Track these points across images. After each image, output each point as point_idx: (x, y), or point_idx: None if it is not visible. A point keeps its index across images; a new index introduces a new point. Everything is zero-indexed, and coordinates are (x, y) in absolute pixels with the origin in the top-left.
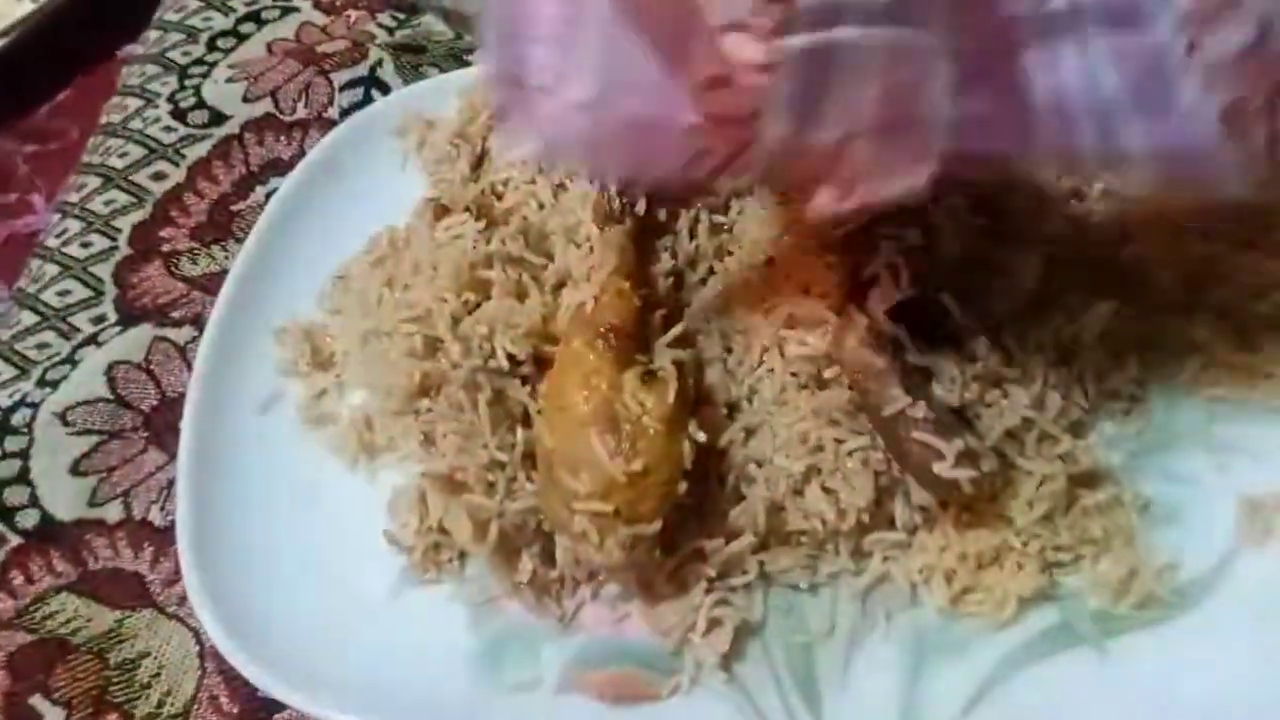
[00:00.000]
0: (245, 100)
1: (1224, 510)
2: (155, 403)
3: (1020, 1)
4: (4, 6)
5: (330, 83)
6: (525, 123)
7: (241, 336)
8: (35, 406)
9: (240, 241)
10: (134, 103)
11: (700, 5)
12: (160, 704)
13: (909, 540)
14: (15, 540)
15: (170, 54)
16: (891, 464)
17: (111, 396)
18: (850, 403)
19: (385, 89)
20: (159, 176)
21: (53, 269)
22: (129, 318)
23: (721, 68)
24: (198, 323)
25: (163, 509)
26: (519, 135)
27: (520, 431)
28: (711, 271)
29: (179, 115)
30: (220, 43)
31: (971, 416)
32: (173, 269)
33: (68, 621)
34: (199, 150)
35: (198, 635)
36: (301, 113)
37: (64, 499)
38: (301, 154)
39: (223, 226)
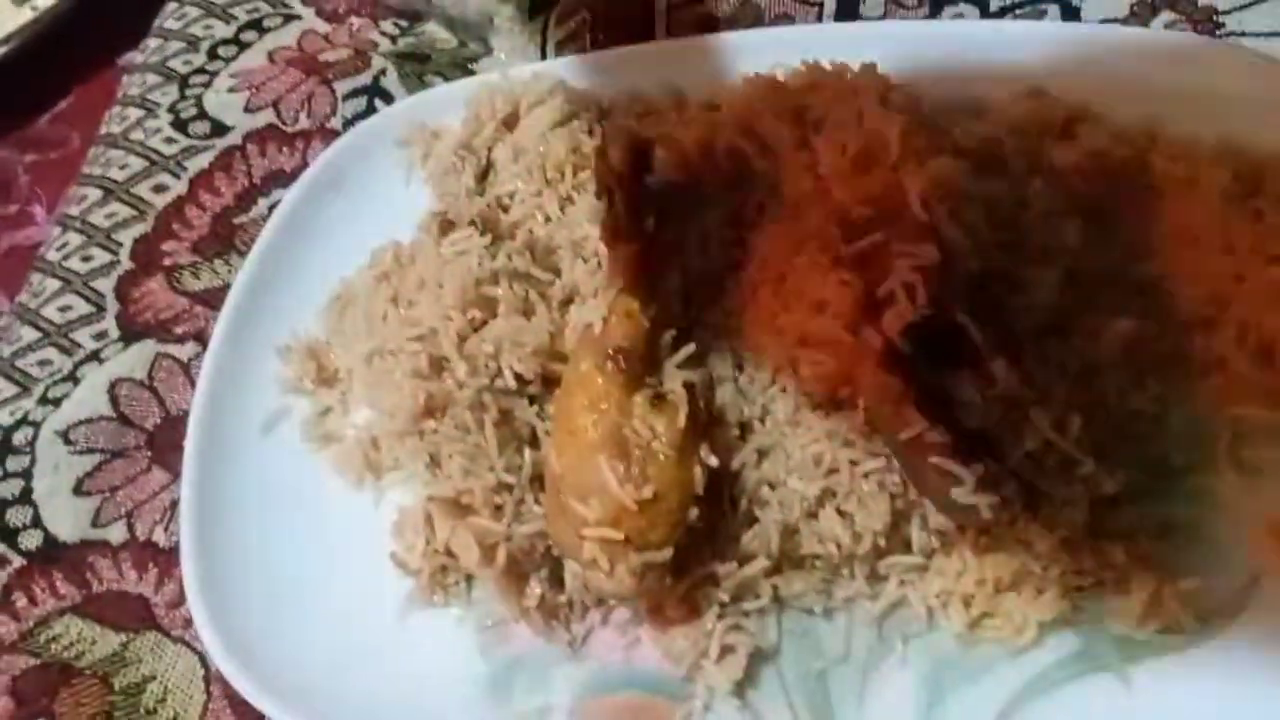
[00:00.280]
0: (247, 110)
1: (1247, 532)
2: (158, 421)
3: None
4: (3, 15)
5: (333, 92)
6: None
7: (245, 353)
8: (37, 425)
9: (243, 255)
10: (135, 113)
11: None
12: None
13: (926, 564)
14: (18, 561)
15: (171, 63)
16: (908, 486)
17: (114, 414)
18: (866, 424)
19: (388, 98)
20: (160, 189)
21: (54, 284)
22: (131, 334)
23: None
24: (200, 338)
25: (167, 529)
26: None
27: (528, 453)
28: (722, 288)
29: (180, 126)
30: (221, 51)
31: (991, 439)
32: (175, 283)
33: (71, 645)
34: (200, 162)
35: (203, 659)
36: (304, 123)
37: (67, 519)
38: (304, 165)
39: (225, 239)
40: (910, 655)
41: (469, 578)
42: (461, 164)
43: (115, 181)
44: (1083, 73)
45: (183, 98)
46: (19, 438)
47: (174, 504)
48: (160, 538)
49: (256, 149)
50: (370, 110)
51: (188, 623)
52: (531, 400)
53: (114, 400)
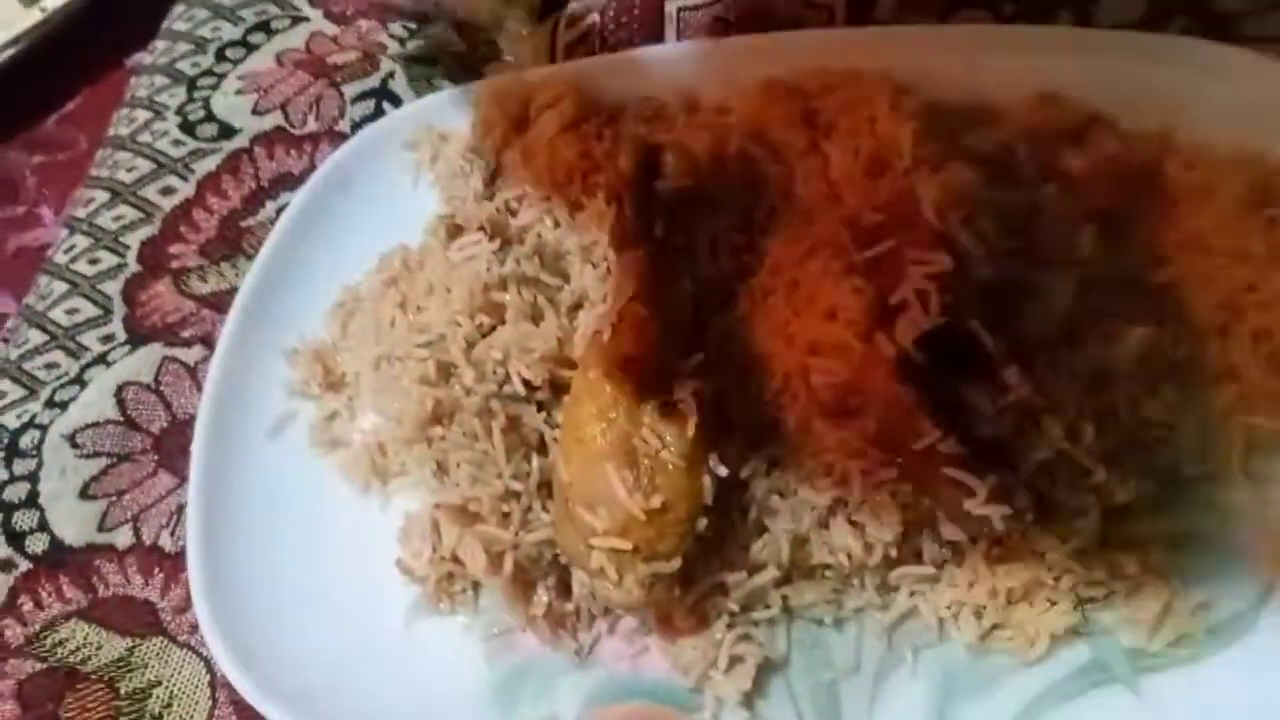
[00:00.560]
0: (255, 113)
1: (1261, 545)
2: (165, 424)
3: None
4: (11, 15)
5: (341, 95)
6: None
7: (252, 357)
8: (44, 428)
9: (250, 258)
10: (142, 115)
11: None
12: None
13: (937, 575)
14: (24, 565)
15: (179, 65)
16: (919, 497)
17: (121, 418)
18: (878, 433)
19: (397, 101)
20: (168, 191)
21: (61, 286)
22: (138, 337)
23: None
24: (208, 342)
25: (173, 534)
26: None
27: (535, 459)
28: (733, 294)
29: (188, 128)
30: (229, 53)
31: (1003, 449)
32: (182, 286)
33: (78, 649)
34: (208, 164)
35: (209, 664)
36: (312, 126)
37: (73, 523)
38: (312, 168)
39: (232, 243)
40: (921, 667)
41: (475, 585)
42: (470, 167)
43: (123, 184)
44: (1096, 78)
45: (190, 100)
46: (26, 441)
47: (180, 508)
48: (166, 542)
49: (264, 151)
50: (378, 113)
51: (194, 628)
52: (539, 407)
53: (121, 404)
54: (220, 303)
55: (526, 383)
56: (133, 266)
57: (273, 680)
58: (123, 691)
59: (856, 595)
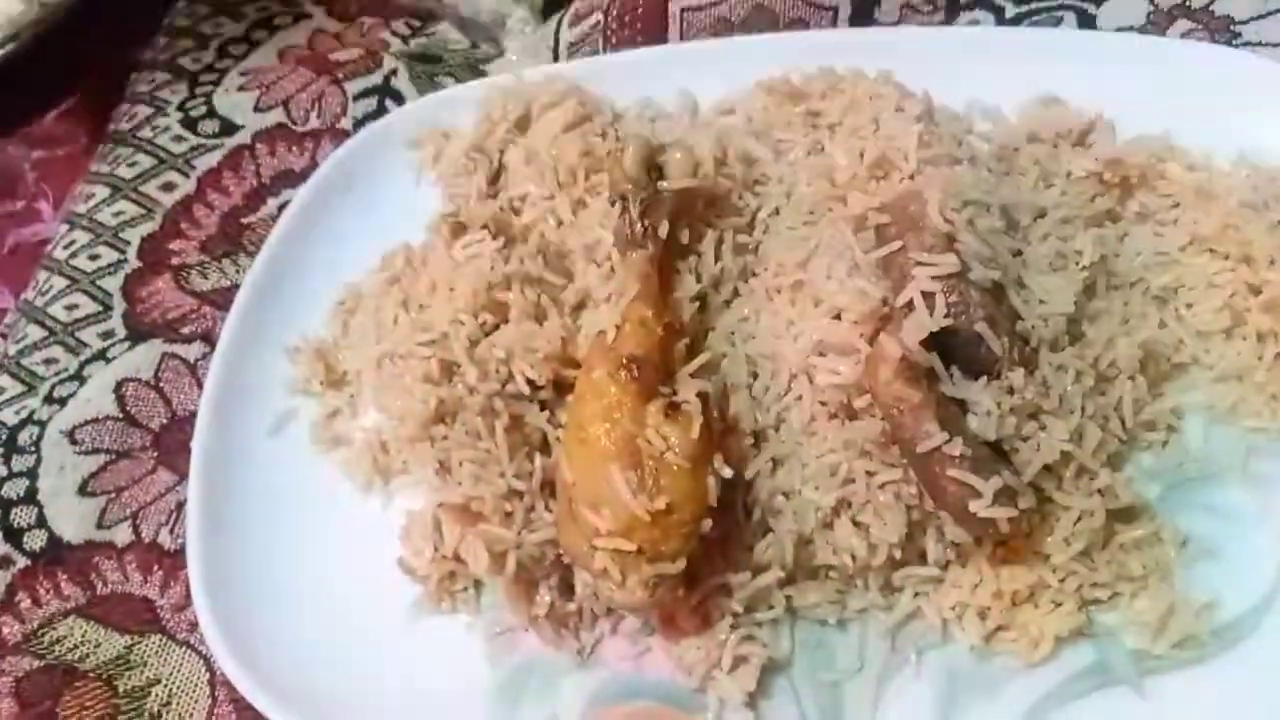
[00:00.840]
0: (257, 109)
1: (1265, 547)
2: (165, 421)
3: None
4: (11, 10)
5: (344, 92)
6: None
7: (253, 354)
8: (43, 424)
9: (251, 255)
10: (143, 110)
11: None
12: None
13: (941, 576)
14: (22, 562)
15: (180, 60)
16: (924, 497)
17: (120, 415)
18: (882, 434)
19: (399, 99)
20: (169, 187)
21: (60, 282)
22: (138, 333)
23: None
24: (208, 339)
25: (173, 531)
26: None
27: (538, 459)
28: (736, 293)
29: (189, 124)
30: (231, 49)
31: (1008, 450)
32: (182, 283)
33: (76, 647)
34: (210, 160)
35: (208, 662)
36: (314, 123)
37: (72, 520)
38: (314, 165)
39: (234, 239)
40: (925, 668)
41: (477, 584)
42: (473, 166)
43: (123, 179)
44: (1099, 81)
45: (192, 96)
46: (24, 437)
47: (180, 505)
48: (166, 539)
49: (266, 148)
50: (381, 111)
51: (193, 626)
52: (542, 406)
53: (120, 400)
54: (221, 299)
55: (530, 382)
56: (133, 262)
57: (272, 679)
58: (121, 690)
59: (860, 596)
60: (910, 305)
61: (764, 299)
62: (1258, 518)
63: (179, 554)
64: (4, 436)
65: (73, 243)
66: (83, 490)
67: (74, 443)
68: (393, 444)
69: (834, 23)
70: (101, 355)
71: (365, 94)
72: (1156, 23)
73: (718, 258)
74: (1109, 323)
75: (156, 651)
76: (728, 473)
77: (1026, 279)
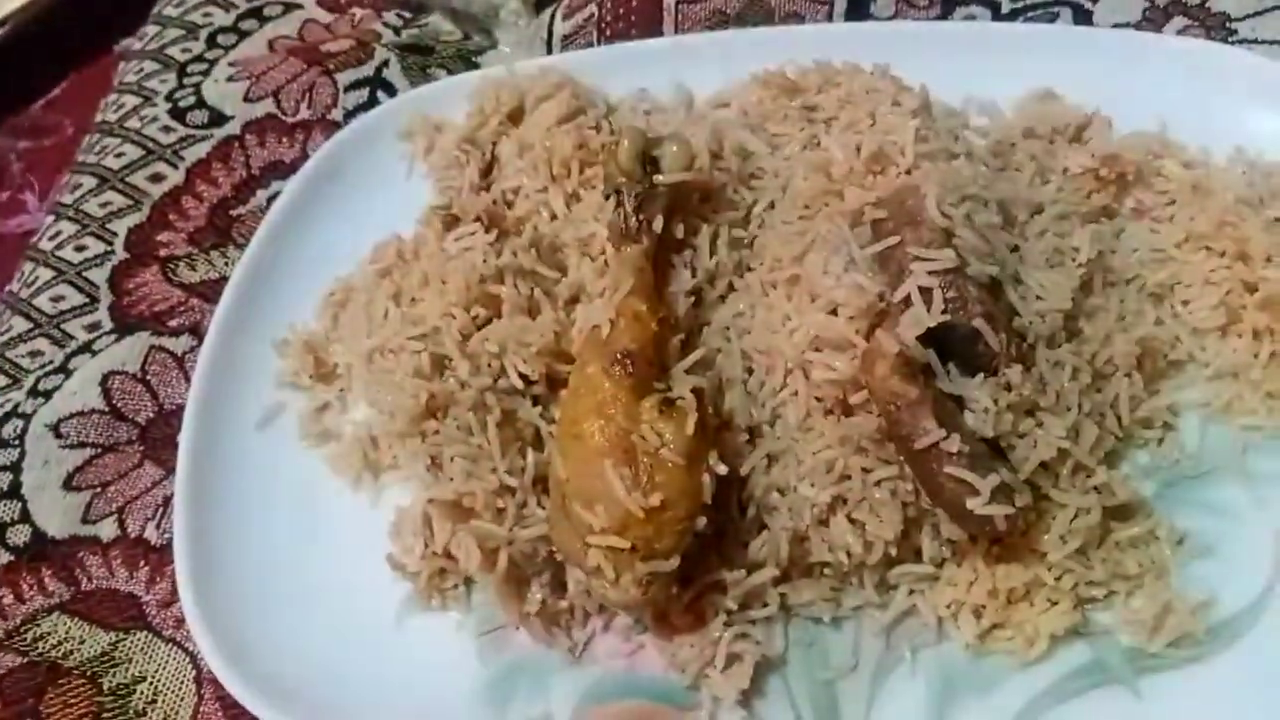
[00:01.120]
0: (246, 100)
1: (1261, 544)
2: (151, 415)
3: None
4: None
5: (334, 83)
6: None
7: (241, 347)
8: (27, 418)
9: (240, 247)
10: (131, 101)
11: None
12: None
13: (937, 573)
14: (5, 558)
15: (169, 50)
16: (920, 494)
17: (106, 408)
18: (879, 430)
19: (391, 90)
20: (156, 178)
21: (46, 273)
22: (125, 325)
23: None
24: (196, 331)
25: (159, 527)
26: None
27: (530, 454)
28: (732, 288)
29: (178, 115)
30: (221, 39)
31: (1005, 447)
32: (170, 275)
33: (59, 644)
34: (198, 151)
35: (194, 660)
36: (305, 114)
37: (56, 515)
38: (304, 156)
39: (222, 231)
40: (919, 666)
41: (468, 581)
42: (465, 158)
43: (110, 170)
44: (1095, 77)
45: (181, 86)
46: (8, 430)
47: (166, 500)
48: (152, 535)
49: (255, 139)
50: (372, 102)
51: (179, 622)
52: (535, 401)
53: (106, 393)
54: (209, 292)
55: (523, 377)
56: (120, 254)
57: (260, 676)
58: (106, 687)
59: (855, 594)
60: (907, 301)
61: (759, 294)
62: (1254, 515)
63: (165, 549)
64: None
65: (59, 234)
66: (67, 484)
67: (59, 436)
68: (383, 439)
69: (829, 17)
70: (87, 348)
71: (356, 85)
72: (1152, 19)
73: (713, 252)
74: (1105, 319)
75: (142, 648)
76: (723, 469)
77: (1023, 275)
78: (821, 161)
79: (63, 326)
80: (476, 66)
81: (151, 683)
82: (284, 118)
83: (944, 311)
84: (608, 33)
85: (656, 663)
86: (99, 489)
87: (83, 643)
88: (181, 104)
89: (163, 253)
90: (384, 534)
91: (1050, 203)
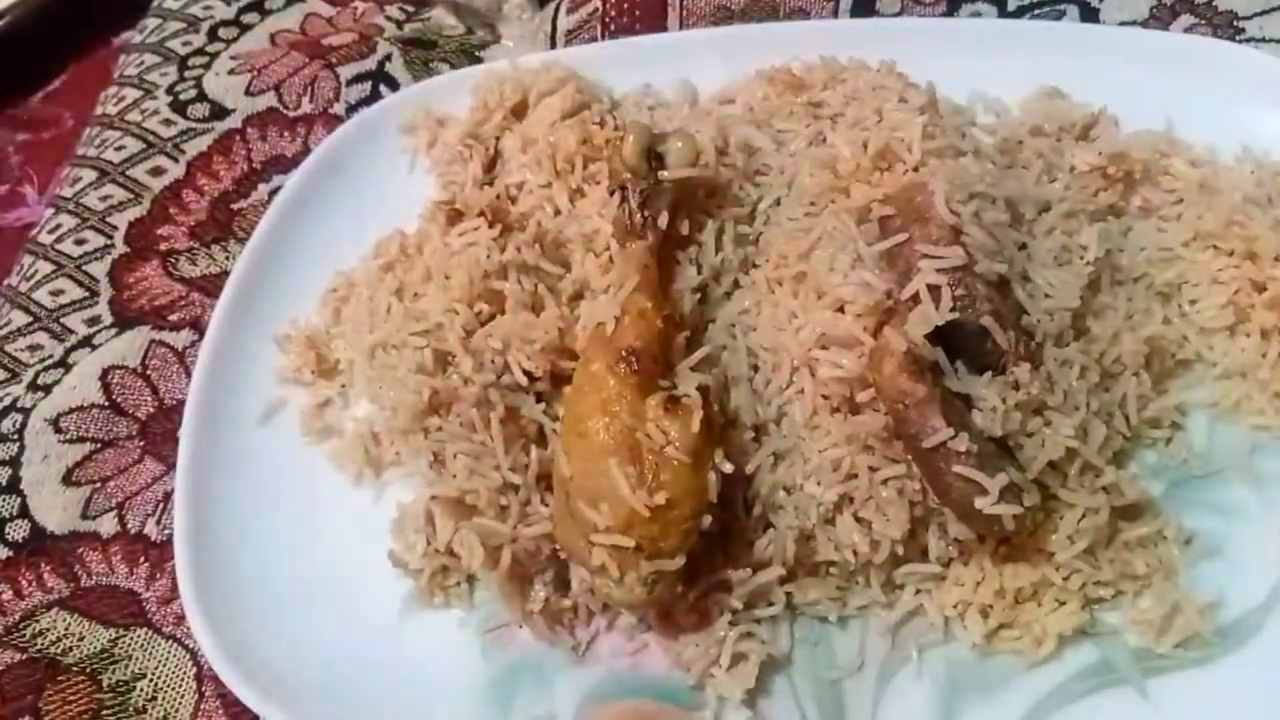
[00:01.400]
0: (248, 93)
1: (1269, 545)
2: (152, 410)
3: None
4: None
5: (337, 77)
6: None
7: (242, 342)
8: (26, 412)
9: (241, 241)
10: (131, 93)
11: None
12: None
13: (943, 573)
14: (4, 553)
15: (170, 43)
16: (927, 493)
17: (106, 403)
18: (886, 429)
19: (394, 84)
20: (157, 171)
21: (45, 267)
22: (125, 320)
23: None
24: (197, 326)
25: (159, 522)
26: None
27: (534, 451)
28: (737, 285)
29: (179, 108)
30: (222, 33)
31: (1013, 446)
32: (171, 269)
33: (58, 640)
34: (199, 145)
35: (195, 656)
36: (306, 107)
37: (56, 510)
38: (306, 150)
39: (223, 225)
40: (926, 666)
41: (471, 579)
42: (469, 153)
43: (111, 163)
44: (1102, 75)
45: (182, 79)
46: (7, 425)
47: (167, 496)
48: (152, 530)
49: (257, 133)
50: (375, 96)
51: (179, 619)
52: (539, 397)
53: (106, 388)
54: (210, 286)
55: (527, 373)
56: (120, 248)
57: (261, 673)
58: (105, 684)
59: (861, 593)
60: (915, 298)
61: (765, 291)
62: (1261, 516)
63: (165, 545)
64: None
65: (58, 227)
66: (67, 480)
67: (58, 431)
68: (385, 435)
69: (835, 13)
70: (87, 342)
71: (359, 79)
72: (1159, 17)
73: (718, 249)
74: (1113, 318)
75: (142, 645)
76: (728, 468)
77: (1031, 273)
78: (828, 158)
79: (62, 320)
80: (479, 61)
81: (151, 680)
82: (286, 111)
83: (952, 309)
84: (612, 27)
85: (661, 662)
86: (99, 484)
87: (82, 639)
88: (182, 97)
89: (163, 247)
90: (386, 531)
91: (1058, 200)
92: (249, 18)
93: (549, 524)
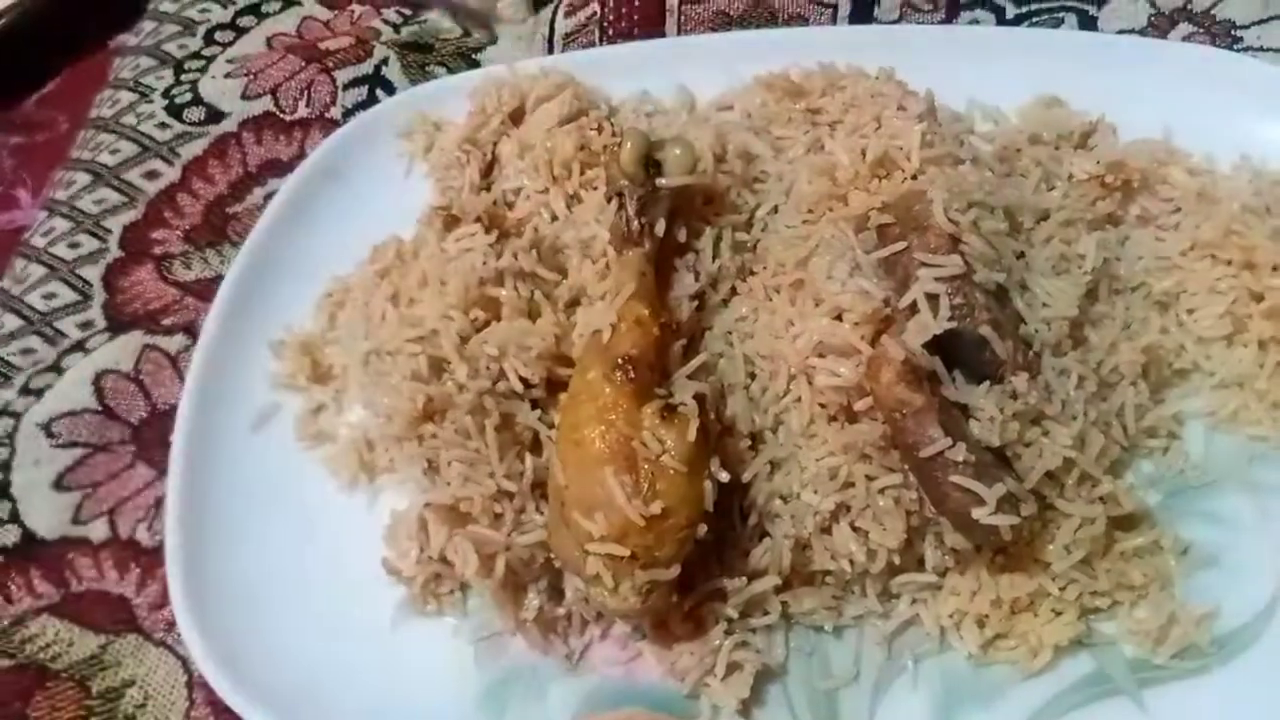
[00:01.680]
0: (244, 97)
1: (1266, 558)
2: (144, 415)
3: None
4: None
5: (333, 80)
6: None
7: (236, 347)
8: (18, 416)
9: (236, 246)
10: (127, 97)
11: None
12: None
13: (939, 583)
14: None
15: (166, 46)
16: (923, 503)
17: (99, 407)
18: (883, 438)
19: (390, 88)
20: (152, 175)
21: (38, 270)
22: (118, 324)
23: None
24: (190, 330)
25: (150, 528)
26: None
27: (529, 459)
28: (734, 292)
29: (174, 111)
30: (218, 36)
31: (1011, 456)
32: (165, 273)
33: (48, 646)
34: (194, 148)
35: (185, 664)
36: (303, 111)
37: (46, 515)
38: (302, 155)
39: (218, 229)
40: (921, 676)
41: (464, 587)
42: (465, 158)
43: (105, 166)
44: (1100, 83)
45: (177, 82)
46: None
47: (158, 501)
48: (143, 536)
49: (253, 137)
50: (371, 100)
51: (170, 625)
52: (534, 405)
53: (99, 392)
54: (204, 291)
55: (523, 380)
56: (114, 251)
57: (252, 681)
58: (95, 691)
59: (857, 603)
60: (913, 307)
61: (763, 298)
62: (1258, 527)
63: (157, 551)
64: None
65: (51, 230)
66: (58, 484)
67: (50, 435)
68: (379, 442)
69: (834, 20)
70: (80, 346)
71: (355, 83)
72: (1158, 26)
73: (716, 256)
74: (1111, 327)
75: (132, 652)
76: (724, 476)
77: (1029, 282)
78: (826, 165)
79: (55, 324)
80: (477, 64)
81: (141, 687)
82: (282, 115)
83: (950, 318)
84: (610, 32)
85: (655, 671)
86: (90, 489)
87: (72, 645)
88: (178, 100)
89: (158, 250)
90: (379, 538)
91: (1056, 209)
92: (245, 21)
93: (543, 532)
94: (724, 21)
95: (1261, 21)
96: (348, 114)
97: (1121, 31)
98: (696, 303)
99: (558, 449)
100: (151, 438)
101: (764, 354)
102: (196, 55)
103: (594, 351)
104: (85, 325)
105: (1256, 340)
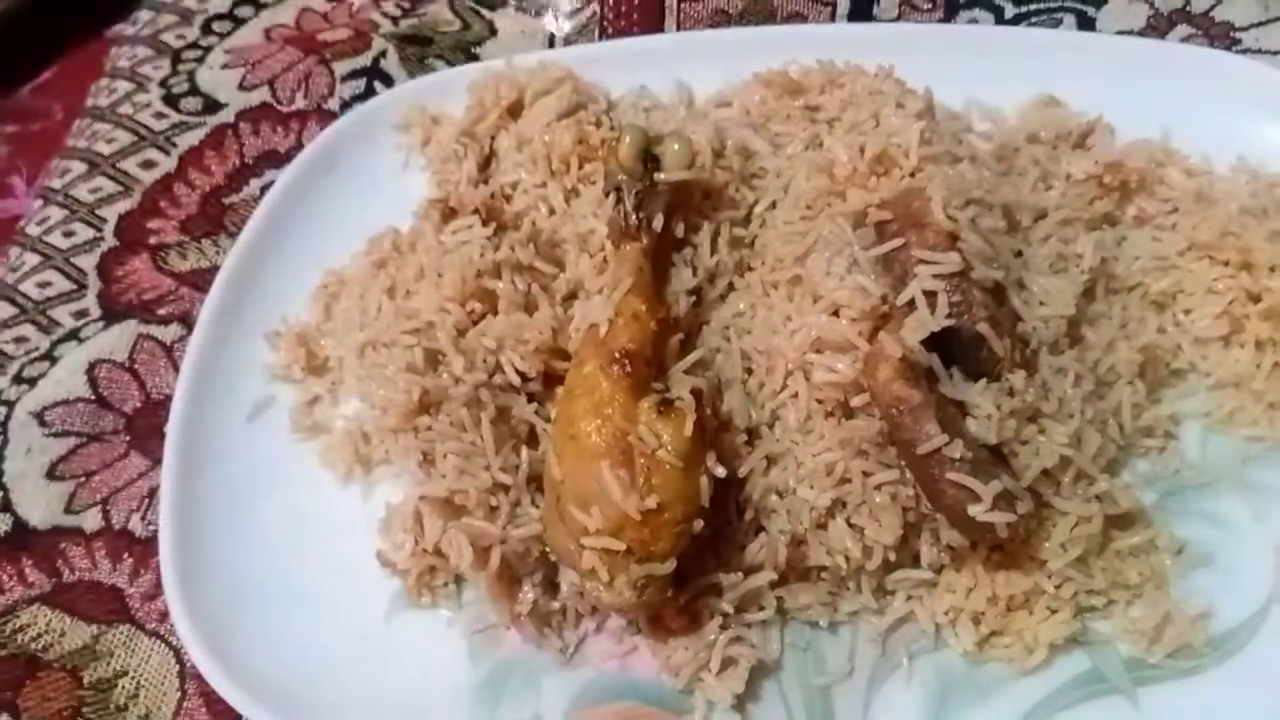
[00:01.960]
0: (241, 88)
1: (1260, 558)
2: (138, 404)
3: None
4: None
5: (331, 72)
6: None
7: (232, 338)
8: (10, 405)
9: (232, 236)
10: (123, 86)
11: None
12: None
13: (935, 580)
14: None
15: (163, 36)
16: (920, 499)
17: (92, 396)
18: (880, 434)
19: (388, 81)
20: (148, 165)
21: (33, 258)
22: (113, 313)
23: None
24: (185, 321)
25: (144, 518)
26: None
27: (525, 452)
28: (732, 288)
29: (171, 101)
30: (216, 26)
31: (1007, 453)
32: (160, 263)
33: (39, 636)
34: (191, 139)
35: (178, 654)
36: (300, 103)
37: (39, 504)
38: (299, 146)
39: (214, 220)
40: (916, 673)
41: (458, 579)
42: (463, 151)
43: (101, 155)
44: (1098, 83)
45: (175, 72)
46: None
47: (152, 491)
48: (137, 526)
49: (250, 128)
50: (369, 92)
51: (163, 615)
52: (530, 398)
53: (93, 381)
54: (200, 281)
55: (519, 373)
56: (110, 240)
57: (245, 672)
58: (86, 681)
59: (852, 599)
60: (911, 304)
61: (760, 294)
62: (1253, 527)
63: (150, 542)
64: None
65: (47, 219)
66: (51, 474)
67: (43, 424)
68: (374, 434)
69: (832, 17)
70: (74, 335)
71: (353, 75)
72: (1156, 26)
73: (713, 251)
74: (1108, 326)
75: (124, 642)
76: (721, 472)
77: (1027, 280)
78: (824, 162)
79: (49, 313)
80: (475, 57)
81: (134, 677)
82: (279, 106)
83: (948, 315)
84: (609, 29)
85: (649, 665)
86: (83, 479)
87: (63, 635)
88: (175, 90)
89: (153, 240)
90: (374, 530)
91: (1054, 208)
92: (243, 11)
93: (539, 525)
94: (723, 19)
95: (1260, 24)
96: (345, 106)
97: (1120, 32)
98: (694, 298)
99: (554, 443)
100: (145, 427)
101: (761, 349)
102: (194, 45)
103: (591, 345)
104: (80, 314)
105: (1253, 341)
